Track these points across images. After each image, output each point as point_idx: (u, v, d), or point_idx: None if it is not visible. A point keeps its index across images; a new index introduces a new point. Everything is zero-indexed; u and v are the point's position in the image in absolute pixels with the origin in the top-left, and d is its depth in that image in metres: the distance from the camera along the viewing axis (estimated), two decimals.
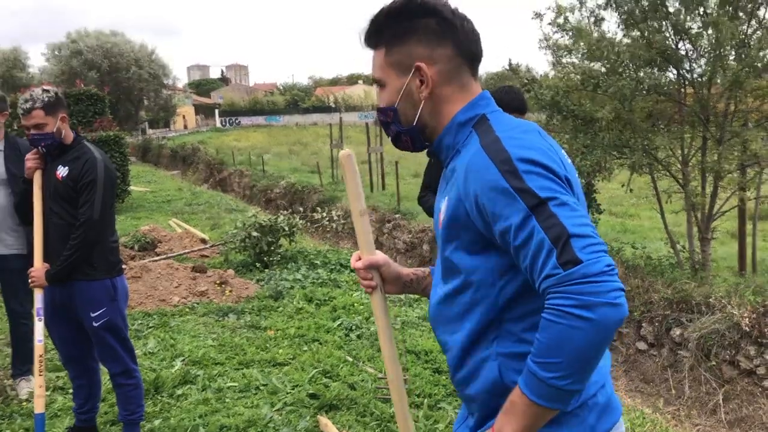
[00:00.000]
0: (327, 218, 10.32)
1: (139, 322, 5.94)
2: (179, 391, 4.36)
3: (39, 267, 3.36)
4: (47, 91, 3.40)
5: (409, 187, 13.59)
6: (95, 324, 3.33)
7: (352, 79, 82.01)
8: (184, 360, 4.91)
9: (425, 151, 1.66)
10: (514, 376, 1.40)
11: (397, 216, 11.38)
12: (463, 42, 1.54)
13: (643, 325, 6.12)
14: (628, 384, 5.90)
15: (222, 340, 5.41)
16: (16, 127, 9.72)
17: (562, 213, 1.28)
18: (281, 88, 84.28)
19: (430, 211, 3.78)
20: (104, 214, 3.31)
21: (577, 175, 1.52)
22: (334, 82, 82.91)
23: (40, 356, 3.39)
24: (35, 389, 3.42)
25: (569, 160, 1.53)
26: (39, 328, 3.44)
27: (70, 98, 13.77)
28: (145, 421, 3.87)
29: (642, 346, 6.13)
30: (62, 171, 3.34)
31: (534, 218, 1.29)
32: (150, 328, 5.82)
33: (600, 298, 1.22)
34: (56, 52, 39.82)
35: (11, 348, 4.55)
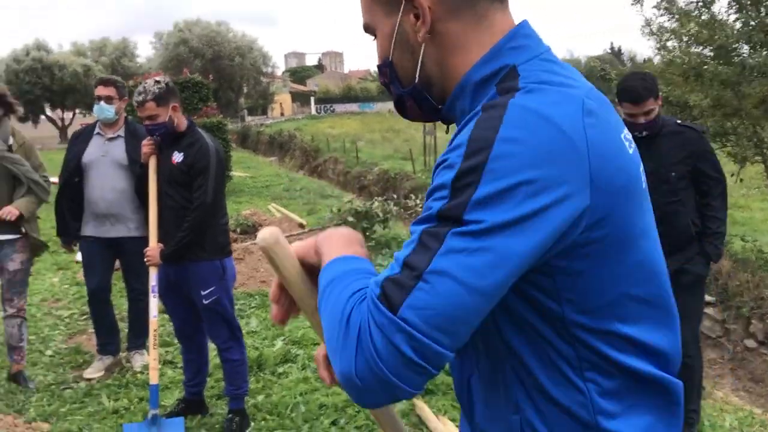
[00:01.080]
0: (420, 205, 10.36)
1: (242, 302, 6.17)
2: (280, 369, 4.52)
3: (154, 246, 3.57)
4: (158, 82, 3.58)
5: None
6: (205, 302, 3.51)
7: None
8: (284, 339, 5.07)
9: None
10: None
11: None
12: None
13: (753, 321, 5.84)
14: (735, 383, 5.65)
15: None
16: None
17: (454, 258, 0.89)
18: (375, 74, 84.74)
19: None
20: (216, 197, 3.47)
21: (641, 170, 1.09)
22: None
23: (155, 331, 3.62)
24: (150, 362, 3.64)
25: (631, 148, 1.07)
26: (153, 304, 3.66)
27: (177, 86, 14.35)
28: (249, 396, 4.04)
29: (751, 343, 5.85)
30: (177, 157, 3.53)
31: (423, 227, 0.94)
32: (252, 308, 6.04)
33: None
34: (163, 41, 41.56)
35: (128, 323, 4.83)
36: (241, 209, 11.39)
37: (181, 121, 3.61)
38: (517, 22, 1.10)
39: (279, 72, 78.41)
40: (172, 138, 3.59)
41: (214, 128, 14.00)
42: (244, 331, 5.25)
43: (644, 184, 1.09)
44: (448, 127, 1.21)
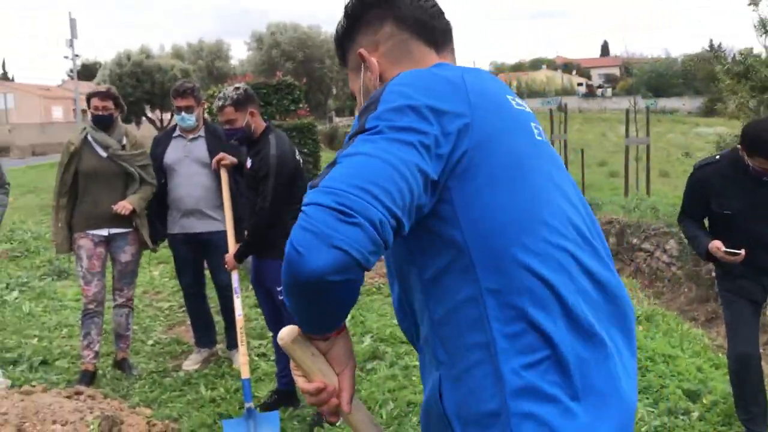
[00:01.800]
0: None
1: None
2: (369, 366, 4.59)
3: (232, 251, 3.81)
4: (237, 88, 3.78)
5: (594, 176, 13.09)
6: (281, 297, 3.58)
7: (536, 64, 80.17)
8: (372, 337, 5.15)
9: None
10: None
11: None
12: (403, 11, 1.35)
13: None
14: None
15: None
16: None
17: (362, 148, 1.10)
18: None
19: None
20: (276, 202, 3.57)
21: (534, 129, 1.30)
22: (517, 67, 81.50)
23: (241, 329, 3.78)
24: (240, 357, 3.75)
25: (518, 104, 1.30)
26: (238, 304, 3.81)
27: (269, 88, 14.73)
28: None
29: None
30: (249, 162, 3.76)
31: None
32: None
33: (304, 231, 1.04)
34: (255, 44, 42.70)
35: (223, 320, 4.97)
36: None
37: (259, 127, 3.78)
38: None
39: None
40: (248, 142, 3.80)
41: (304, 129, 14.34)
42: None
43: (540, 139, 1.29)
44: None
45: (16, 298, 6.59)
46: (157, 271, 7.69)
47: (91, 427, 3.62)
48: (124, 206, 4.34)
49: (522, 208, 1.18)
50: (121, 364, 4.69)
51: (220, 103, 3.71)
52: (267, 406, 3.89)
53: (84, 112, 4.45)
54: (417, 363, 4.57)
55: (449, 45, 1.42)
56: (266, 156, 3.64)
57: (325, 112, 45.52)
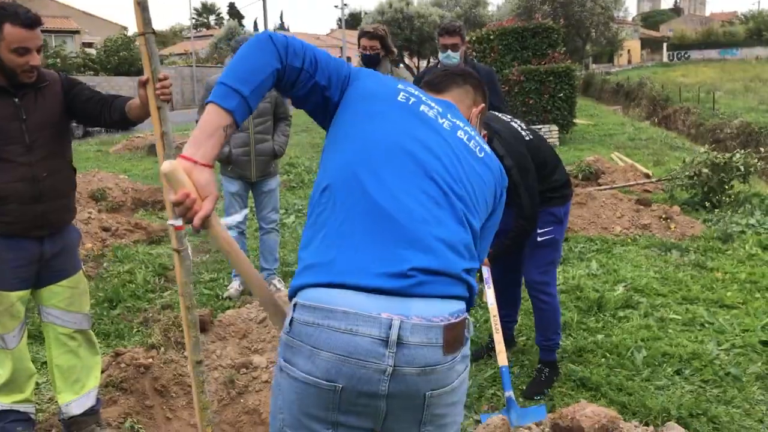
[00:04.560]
0: None
1: (582, 245, 6.20)
2: (621, 314, 4.50)
3: None
4: None
5: None
6: (539, 239, 3.57)
7: None
8: (626, 285, 5.02)
9: None
10: None
11: None
12: None
13: None
14: None
15: (664, 274, 5.35)
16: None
17: None
18: (743, 16, 75.27)
19: None
20: (534, 203, 3.38)
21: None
22: None
23: (494, 316, 3.56)
24: (495, 345, 3.52)
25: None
26: (490, 294, 3.63)
27: (527, 32, 14.56)
28: (588, 334, 4.13)
29: None
30: None
31: None
32: (592, 252, 6.04)
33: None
34: None
35: None
36: (582, 156, 11.28)
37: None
38: None
39: (630, 17, 74.16)
40: None
41: (561, 74, 13.98)
42: (584, 272, 5.35)
43: (407, 102, 1.73)
44: None
45: (293, 222, 7.44)
46: None
47: None
48: None
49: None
50: None
51: None
52: (546, 383, 3.63)
53: (348, 59, 4.75)
54: (674, 316, 4.41)
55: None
56: (504, 167, 3.40)
57: (581, 57, 43.69)
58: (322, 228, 1.57)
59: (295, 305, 1.53)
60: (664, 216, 6.94)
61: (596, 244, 6.27)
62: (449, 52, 4.61)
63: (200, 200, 1.47)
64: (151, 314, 4.58)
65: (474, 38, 14.96)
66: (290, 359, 1.51)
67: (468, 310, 1.64)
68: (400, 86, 1.78)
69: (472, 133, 1.80)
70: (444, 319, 1.50)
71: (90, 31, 44.33)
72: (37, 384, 3.51)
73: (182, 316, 2.33)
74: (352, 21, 59.36)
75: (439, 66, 4.75)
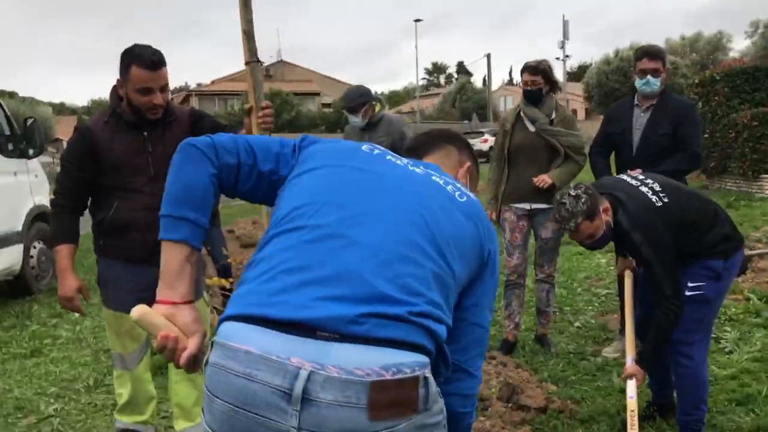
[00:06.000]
0: None
1: None
2: None
3: None
4: (577, 197, 2.99)
5: None
6: (687, 293, 3.00)
7: None
8: None
9: None
10: None
11: None
12: None
13: None
14: None
15: None
16: None
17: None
18: None
19: None
20: (672, 279, 2.93)
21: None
22: None
23: (632, 411, 3.02)
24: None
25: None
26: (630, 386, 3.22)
27: (759, 72, 13.21)
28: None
29: None
30: None
31: None
32: None
33: None
34: (760, 30, 38.53)
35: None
36: None
37: (611, 217, 3.02)
38: None
39: None
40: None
41: None
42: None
43: (371, 152, 1.59)
44: None
45: None
46: (605, 259, 7.49)
47: (492, 390, 3.71)
48: (543, 179, 4.32)
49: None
50: (540, 339, 4.70)
51: (572, 225, 2.99)
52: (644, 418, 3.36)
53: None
54: None
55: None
56: (632, 244, 2.97)
57: None
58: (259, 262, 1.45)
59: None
60: None
61: None
62: (649, 77, 4.20)
63: (184, 338, 1.37)
64: None
65: (695, 81, 13.76)
66: (203, 407, 1.32)
67: (436, 369, 1.31)
68: (364, 146, 1.62)
69: (453, 182, 1.60)
70: (372, 373, 1.17)
71: (330, 93, 48.28)
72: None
73: None
74: (579, 72, 58.16)
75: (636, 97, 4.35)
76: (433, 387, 1.25)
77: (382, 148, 1.65)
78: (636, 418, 2.95)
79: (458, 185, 1.58)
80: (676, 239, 2.93)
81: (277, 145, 1.57)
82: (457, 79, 70.34)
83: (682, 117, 4.20)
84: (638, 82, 4.27)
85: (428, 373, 1.23)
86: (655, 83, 4.19)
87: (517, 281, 4.58)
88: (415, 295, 1.28)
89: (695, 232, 2.97)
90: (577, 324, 5.26)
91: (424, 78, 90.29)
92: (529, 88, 4.50)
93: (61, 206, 2.92)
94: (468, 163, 1.80)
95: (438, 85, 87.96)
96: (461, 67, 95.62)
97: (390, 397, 1.17)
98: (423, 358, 1.24)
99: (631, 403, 3.00)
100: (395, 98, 75.40)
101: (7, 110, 6.75)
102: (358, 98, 4.72)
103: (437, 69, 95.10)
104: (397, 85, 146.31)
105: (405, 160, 1.61)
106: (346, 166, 1.51)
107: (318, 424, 1.16)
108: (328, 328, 1.19)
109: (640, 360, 3.05)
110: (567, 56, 40.19)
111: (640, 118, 4.31)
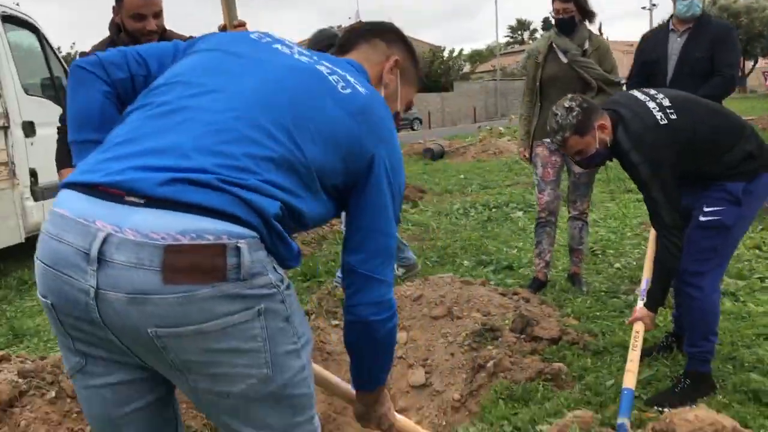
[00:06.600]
0: None
1: None
2: None
3: None
4: (570, 109, 2.89)
5: None
6: (701, 219, 2.84)
7: None
8: None
9: None
10: None
11: None
12: None
13: None
14: None
15: None
16: None
17: None
18: None
19: None
20: (671, 206, 2.74)
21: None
22: None
23: (636, 332, 2.88)
24: (628, 363, 2.79)
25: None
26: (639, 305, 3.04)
27: None
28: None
29: None
30: None
31: None
32: None
33: None
34: None
35: None
36: None
37: (609, 135, 2.86)
38: None
39: None
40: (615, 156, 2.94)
41: None
42: None
43: (257, 40, 1.55)
44: None
45: (519, 217, 7.14)
46: None
47: (506, 321, 3.68)
48: None
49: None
50: (573, 278, 4.59)
51: (560, 138, 2.90)
52: (678, 396, 2.87)
53: None
54: None
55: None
56: (630, 164, 2.79)
57: None
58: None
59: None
60: None
61: None
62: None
63: None
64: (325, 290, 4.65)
65: None
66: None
67: (275, 248, 1.29)
68: (255, 34, 1.59)
69: (343, 72, 1.49)
70: (168, 237, 1.16)
71: None
72: None
73: None
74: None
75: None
76: (254, 259, 1.23)
77: (277, 37, 1.58)
78: (640, 340, 2.81)
79: (349, 78, 1.49)
80: (688, 160, 2.77)
81: (171, 49, 1.55)
82: (542, 35, 68.20)
83: (722, 39, 3.97)
84: (679, 4, 4.05)
85: (242, 244, 1.21)
86: (698, 4, 3.98)
87: (548, 219, 4.46)
88: (241, 171, 1.26)
89: (711, 152, 2.78)
90: (617, 265, 5.11)
91: (508, 36, 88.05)
92: (561, 16, 4.33)
93: (66, 132, 3.05)
94: (395, 57, 1.67)
95: (522, 42, 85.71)
96: (546, 23, 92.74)
97: (186, 262, 1.17)
98: (236, 228, 1.21)
99: (637, 324, 2.87)
100: (476, 57, 73.94)
101: (62, 61, 6.98)
102: (323, 41, 4.57)
103: (522, 26, 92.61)
104: (480, 44, 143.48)
105: (297, 49, 1.54)
106: (222, 50, 1.48)
107: (113, 284, 1.18)
108: (137, 191, 1.20)
109: (649, 303, 2.89)
110: (654, 5, 38.22)
111: (675, 44, 4.09)
